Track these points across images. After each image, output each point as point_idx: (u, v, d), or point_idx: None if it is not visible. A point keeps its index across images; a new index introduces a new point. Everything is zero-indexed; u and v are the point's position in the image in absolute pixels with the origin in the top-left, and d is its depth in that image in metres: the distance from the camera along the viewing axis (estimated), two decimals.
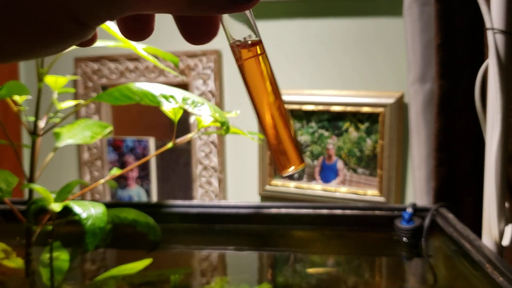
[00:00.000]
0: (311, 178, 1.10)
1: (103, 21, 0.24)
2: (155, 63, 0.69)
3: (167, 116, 0.74)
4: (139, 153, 1.25)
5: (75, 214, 0.62)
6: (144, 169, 1.25)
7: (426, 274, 0.76)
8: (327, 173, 1.08)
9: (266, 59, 0.32)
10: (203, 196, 1.20)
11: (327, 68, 1.10)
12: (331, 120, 1.06)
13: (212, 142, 1.18)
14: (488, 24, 0.67)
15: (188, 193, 1.22)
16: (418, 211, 0.84)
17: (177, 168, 1.24)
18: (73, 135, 0.77)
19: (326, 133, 1.07)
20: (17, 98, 0.69)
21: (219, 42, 1.16)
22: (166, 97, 0.68)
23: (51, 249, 0.68)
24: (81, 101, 0.72)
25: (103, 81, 1.26)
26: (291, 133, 0.32)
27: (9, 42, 0.25)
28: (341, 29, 1.08)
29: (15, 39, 0.24)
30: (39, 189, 0.63)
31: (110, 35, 0.67)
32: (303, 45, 1.11)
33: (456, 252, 0.72)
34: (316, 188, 1.09)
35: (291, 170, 0.32)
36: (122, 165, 1.28)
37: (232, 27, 0.31)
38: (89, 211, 0.57)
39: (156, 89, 0.68)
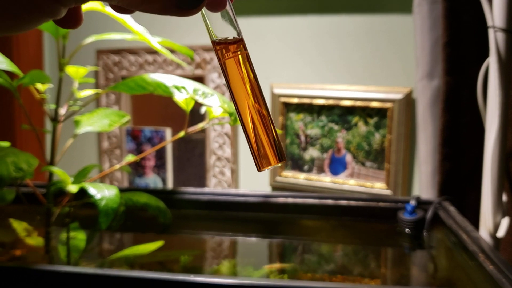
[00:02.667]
0: (321, 170, 1.13)
1: (76, 3, 0.27)
2: (168, 56, 0.73)
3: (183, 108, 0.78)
4: (156, 143, 1.30)
5: (90, 195, 0.67)
6: (160, 158, 1.29)
7: (427, 264, 0.78)
8: (336, 166, 1.11)
9: (246, 59, 0.32)
10: (216, 186, 1.24)
11: (337, 64, 1.12)
12: (341, 114, 1.08)
13: (226, 134, 1.21)
14: (489, 22, 0.69)
15: (202, 183, 1.26)
16: (422, 204, 0.86)
17: (192, 158, 1.28)
18: (92, 123, 0.81)
19: (335, 127, 1.09)
20: (39, 86, 0.74)
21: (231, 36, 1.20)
22: (178, 88, 0.71)
23: (68, 228, 0.72)
24: (99, 90, 0.76)
25: (123, 72, 1.31)
26: (269, 132, 0.32)
27: None
28: (352, 26, 1.10)
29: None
30: (57, 171, 0.67)
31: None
32: (314, 41, 1.13)
33: (456, 243, 0.74)
34: (325, 180, 1.12)
35: (268, 168, 0.32)
36: (139, 154, 1.33)
37: (215, 25, 0.32)
38: (103, 193, 0.61)
39: (169, 80, 0.72)
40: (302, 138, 1.14)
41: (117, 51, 1.31)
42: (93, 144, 1.39)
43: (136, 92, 0.72)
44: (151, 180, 1.32)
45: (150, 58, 1.28)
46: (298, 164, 1.15)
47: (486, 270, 0.60)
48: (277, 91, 1.14)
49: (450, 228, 0.76)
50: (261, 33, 1.18)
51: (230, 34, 0.32)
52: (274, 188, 1.19)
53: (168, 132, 1.29)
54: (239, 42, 0.32)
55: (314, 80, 1.13)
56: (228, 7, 0.31)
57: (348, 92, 1.07)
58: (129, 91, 0.72)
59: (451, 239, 0.76)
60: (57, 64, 0.74)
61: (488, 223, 0.66)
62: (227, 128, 1.21)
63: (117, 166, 0.79)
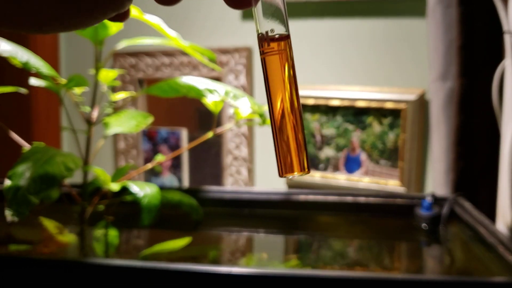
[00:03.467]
0: (336, 168, 1.17)
1: None
2: (201, 60, 0.77)
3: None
4: (173, 143, 1.33)
5: (129, 194, 0.70)
6: (176, 158, 1.33)
7: (443, 256, 0.82)
8: (351, 164, 1.15)
9: (290, 57, 0.30)
10: (233, 185, 1.28)
11: (352, 66, 1.16)
12: (356, 114, 1.13)
13: (243, 134, 1.25)
14: (505, 27, 0.73)
15: (218, 182, 1.30)
16: (437, 200, 0.90)
17: (209, 158, 1.32)
18: (120, 124, 0.85)
19: (350, 127, 1.13)
20: (76, 89, 0.78)
21: (250, 40, 1.24)
22: (210, 91, 0.75)
23: (107, 223, 0.76)
24: (133, 93, 0.80)
25: (140, 75, 1.35)
26: (299, 138, 0.30)
27: (54, 8, 0.25)
28: (367, 29, 1.14)
29: (62, 6, 0.25)
30: (98, 170, 0.71)
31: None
32: (330, 43, 1.17)
33: (472, 237, 0.78)
34: (340, 178, 1.16)
35: (292, 175, 0.31)
36: (156, 154, 1.36)
37: (264, 19, 0.30)
38: (145, 191, 0.65)
39: (201, 83, 0.76)
40: (318, 137, 1.18)
41: (134, 54, 1.35)
42: (109, 144, 1.42)
43: (169, 95, 0.76)
44: (167, 179, 1.36)
45: (167, 60, 1.31)
46: (313, 163, 1.19)
47: (506, 260, 0.64)
48: None
49: (467, 223, 0.80)
50: None
51: (279, 29, 0.31)
52: (290, 187, 1.23)
53: (184, 132, 1.33)
54: (285, 39, 0.30)
55: (330, 81, 1.17)
56: (279, 1, 0.30)
57: (362, 93, 1.12)
58: (162, 93, 0.76)
59: (467, 233, 0.80)
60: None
61: (507, 217, 0.71)
62: (244, 128, 1.25)
63: (149, 165, 0.83)
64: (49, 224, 0.90)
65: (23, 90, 0.76)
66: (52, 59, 1.43)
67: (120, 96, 0.80)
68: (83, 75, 0.73)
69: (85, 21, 0.26)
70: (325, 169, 1.18)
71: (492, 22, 0.90)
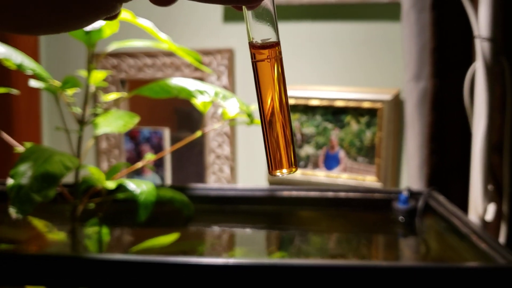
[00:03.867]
0: (316, 166, 1.21)
1: None
2: (195, 63, 0.79)
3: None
4: (155, 143, 1.35)
5: (121, 192, 0.72)
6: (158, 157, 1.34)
7: (419, 246, 0.87)
8: (330, 162, 1.19)
9: (279, 63, 0.32)
10: (216, 183, 1.30)
11: (332, 67, 1.21)
12: (335, 114, 1.17)
13: (225, 133, 1.28)
14: (476, 32, 0.78)
15: (200, 180, 1.33)
16: (412, 194, 0.95)
17: (191, 156, 1.35)
18: (108, 124, 0.87)
19: (329, 126, 1.18)
20: (68, 91, 0.79)
21: (233, 41, 1.27)
22: (201, 92, 0.78)
23: (99, 221, 0.78)
24: (125, 94, 0.82)
25: (122, 75, 1.36)
26: (289, 137, 0.32)
27: (45, 14, 0.25)
28: (345, 31, 1.19)
29: (49, 9, 0.25)
30: (92, 169, 0.73)
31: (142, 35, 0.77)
32: (310, 45, 1.22)
33: (446, 228, 0.83)
34: (320, 175, 1.20)
35: (282, 172, 0.32)
36: (138, 154, 1.38)
37: (255, 26, 0.31)
38: (141, 188, 0.67)
39: (191, 85, 0.79)
40: (298, 136, 1.22)
41: (116, 55, 1.36)
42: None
43: (160, 95, 0.78)
44: (150, 178, 1.38)
45: (149, 61, 1.33)
46: None
47: (479, 248, 0.69)
48: None
49: (441, 215, 0.85)
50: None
51: (269, 35, 0.32)
52: (272, 184, 1.26)
53: (166, 132, 1.35)
54: (275, 46, 0.32)
55: (310, 81, 1.21)
56: (270, 7, 0.31)
57: (341, 93, 1.16)
58: (154, 94, 0.78)
59: (442, 225, 0.85)
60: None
61: (478, 209, 0.76)
62: (227, 127, 1.27)
63: (140, 164, 0.85)
64: (38, 223, 0.91)
65: (15, 91, 0.77)
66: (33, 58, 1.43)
67: (112, 96, 0.81)
68: (64, 74, 0.75)
69: (75, 25, 0.27)
70: (305, 166, 1.22)
71: (463, 26, 0.95)
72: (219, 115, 1.27)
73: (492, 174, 0.82)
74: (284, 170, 0.32)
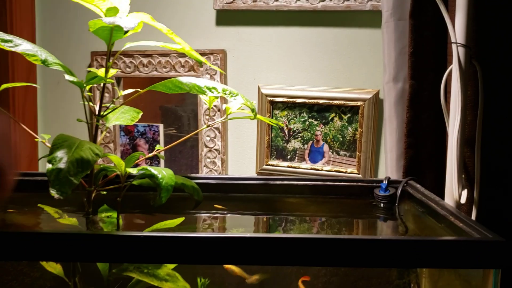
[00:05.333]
0: (302, 159, 1.27)
1: None
2: (206, 62, 0.84)
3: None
4: (150, 137, 1.39)
5: (140, 177, 0.77)
6: (153, 150, 1.38)
7: (400, 227, 0.94)
8: (315, 155, 1.26)
9: None
10: (208, 175, 1.35)
11: (318, 69, 1.28)
12: (320, 111, 1.24)
13: (217, 128, 1.33)
14: (453, 39, 0.85)
15: (194, 172, 1.37)
16: (391, 183, 1.03)
17: (184, 150, 1.39)
18: (117, 118, 0.91)
19: (315, 122, 1.24)
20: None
21: (225, 43, 1.32)
22: (209, 88, 0.83)
23: (119, 205, 0.81)
24: (138, 89, 0.86)
25: (118, 74, 1.39)
26: None
27: None
28: (331, 37, 1.26)
29: None
30: (113, 157, 0.77)
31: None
32: (298, 48, 1.28)
33: (424, 212, 0.91)
34: (305, 167, 1.27)
35: None
36: (133, 148, 1.41)
37: None
38: (162, 173, 0.71)
39: (201, 82, 0.83)
40: (286, 131, 1.28)
41: (112, 54, 1.38)
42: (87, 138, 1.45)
43: (173, 91, 0.83)
44: None
45: (145, 60, 1.37)
46: (282, 154, 1.29)
47: (456, 227, 0.76)
48: (265, 91, 1.28)
49: (420, 200, 0.92)
50: (250, 40, 1.31)
51: None
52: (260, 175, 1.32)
53: (161, 127, 1.39)
54: None
55: (297, 82, 1.28)
56: None
57: (326, 92, 1.23)
58: (167, 90, 0.83)
59: (419, 210, 0.93)
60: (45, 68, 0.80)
61: (455, 194, 0.84)
62: (218, 123, 1.32)
63: (150, 154, 0.89)
64: (50, 210, 0.94)
65: (35, 85, 0.80)
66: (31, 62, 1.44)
67: (126, 92, 0.85)
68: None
69: None
70: (291, 159, 1.29)
71: (438, 33, 1.03)
72: (211, 111, 1.32)
73: (464, 164, 0.90)
74: None
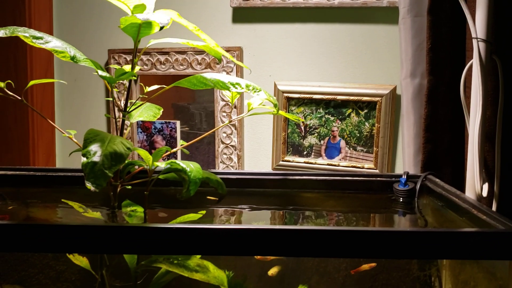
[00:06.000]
0: (318, 155, 1.28)
1: None
2: (234, 61, 0.85)
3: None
4: (167, 134, 1.40)
5: (167, 172, 0.78)
6: (171, 147, 1.39)
7: (420, 221, 0.95)
8: (332, 151, 1.27)
9: None
10: (227, 170, 1.36)
11: (334, 65, 1.28)
12: (336, 107, 1.25)
13: (233, 125, 1.34)
14: (473, 34, 0.86)
15: (211, 168, 1.38)
16: (410, 178, 1.03)
17: (201, 146, 1.40)
18: (140, 115, 0.93)
19: (331, 118, 1.25)
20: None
21: (241, 40, 1.33)
22: (233, 84, 0.84)
23: (146, 199, 0.82)
24: (164, 86, 0.87)
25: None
26: None
27: None
28: (347, 33, 1.27)
29: None
30: (141, 151, 0.78)
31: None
32: (315, 45, 1.29)
33: (444, 206, 0.91)
34: (322, 163, 1.28)
35: None
36: (150, 144, 1.42)
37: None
38: (190, 167, 0.73)
39: (224, 78, 0.84)
40: (302, 127, 1.29)
41: (129, 51, 1.40)
42: None
43: (197, 87, 0.84)
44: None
45: (162, 58, 1.38)
46: (298, 150, 1.30)
47: (481, 219, 0.77)
48: (281, 87, 1.29)
49: (440, 194, 0.93)
50: (266, 37, 1.32)
51: None
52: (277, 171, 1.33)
53: (177, 124, 1.40)
54: None
55: (315, 78, 1.28)
56: None
57: (343, 88, 1.24)
58: (192, 86, 0.84)
59: (438, 204, 0.93)
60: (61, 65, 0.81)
61: (477, 187, 0.84)
62: (235, 120, 1.34)
63: (175, 149, 0.91)
64: (74, 205, 0.95)
65: (62, 82, 0.81)
66: (47, 57, 1.46)
67: (151, 88, 0.87)
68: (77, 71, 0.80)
69: None
70: (308, 155, 1.30)
71: (455, 29, 1.04)
72: (227, 108, 1.33)
73: (484, 159, 0.91)
74: None
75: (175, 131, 1.39)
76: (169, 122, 1.39)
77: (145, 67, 1.39)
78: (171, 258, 0.72)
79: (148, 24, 0.75)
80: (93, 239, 0.63)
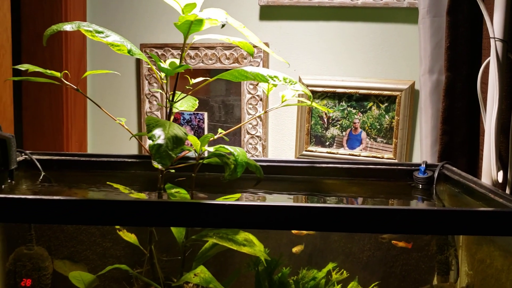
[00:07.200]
0: (340, 145, 1.37)
1: None
2: (272, 54, 0.93)
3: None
4: (195, 125, 1.48)
5: (213, 156, 0.86)
6: (199, 137, 1.48)
7: (437, 205, 1.03)
8: (353, 142, 1.35)
9: None
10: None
11: (356, 61, 1.37)
12: (358, 100, 1.33)
13: (258, 116, 1.42)
14: (491, 34, 0.94)
15: None
16: (429, 167, 1.11)
17: (227, 136, 1.48)
18: (181, 105, 1.01)
19: (353, 111, 1.33)
20: (162, 74, 0.92)
21: (267, 36, 1.41)
22: (271, 77, 0.91)
23: (193, 180, 0.91)
24: (208, 78, 0.95)
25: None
26: None
27: None
28: (369, 32, 1.35)
29: None
30: (190, 137, 0.86)
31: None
32: (338, 42, 1.37)
33: (461, 192, 0.99)
34: (344, 153, 1.36)
35: None
36: None
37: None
38: (237, 151, 0.81)
39: (263, 71, 0.92)
40: (325, 119, 1.37)
41: (161, 46, 1.48)
42: (134, 125, 1.55)
43: (238, 79, 0.92)
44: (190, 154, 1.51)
45: (192, 53, 1.46)
46: (321, 141, 1.38)
47: (498, 202, 0.84)
48: (305, 81, 1.37)
49: (458, 181, 1.01)
50: (292, 34, 1.40)
51: None
52: None
53: (205, 115, 1.48)
54: None
55: (338, 73, 1.37)
56: None
57: (364, 83, 1.32)
58: (234, 78, 0.92)
59: (455, 190, 1.01)
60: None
61: (493, 174, 0.92)
62: (260, 110, 1.42)
63: (216, 136, 0.99)
64: (120, 187, 1.03)
65: (116, 73, 0.90)
66: (81, 51, 1.54)
67: (196, 80, 0.95)
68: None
69: None
70: (330, 146, 1.38)
71: (472, 29, 1.12)
72: (253, 100, 1.41)
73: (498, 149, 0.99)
74: None
75: (203, 122, 1.47)
76: (197, 114, 1.48)
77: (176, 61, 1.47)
78: (221, 232, 0.80)
79: (199, 22, 0.83)
80: (157, 213, 0.71)
